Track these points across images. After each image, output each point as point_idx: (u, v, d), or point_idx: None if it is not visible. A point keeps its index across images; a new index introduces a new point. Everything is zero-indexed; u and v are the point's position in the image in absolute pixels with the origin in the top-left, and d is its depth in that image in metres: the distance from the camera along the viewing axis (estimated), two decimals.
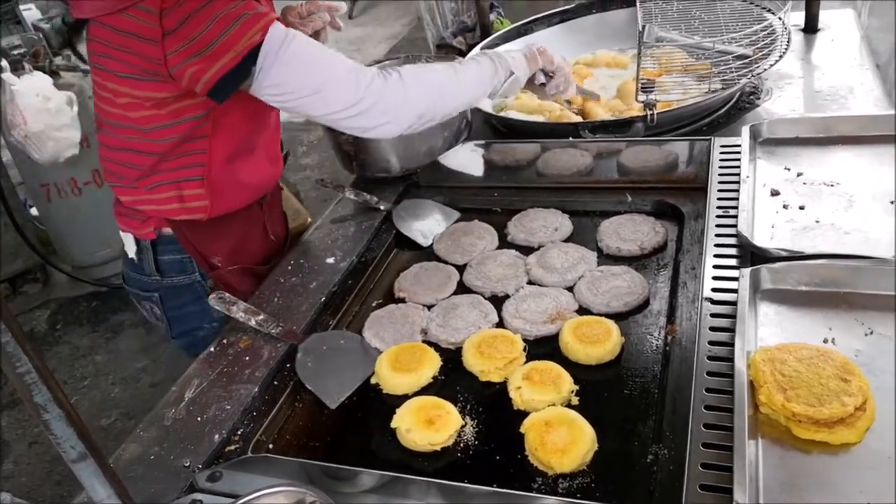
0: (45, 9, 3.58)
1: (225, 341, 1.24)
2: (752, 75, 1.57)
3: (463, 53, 1.99)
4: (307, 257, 1.43)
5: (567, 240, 1.42)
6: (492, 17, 2.07)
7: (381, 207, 1.54)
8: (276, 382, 1.16)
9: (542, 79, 1.45)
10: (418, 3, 4.61)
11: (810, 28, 1.96)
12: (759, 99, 1.70)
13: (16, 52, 3.10)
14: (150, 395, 2.93)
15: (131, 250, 1.46)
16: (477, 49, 1.49)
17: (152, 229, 1.41)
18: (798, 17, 1.97)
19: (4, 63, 2.87)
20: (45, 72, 3.04)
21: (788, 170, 1.28)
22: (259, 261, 1.52)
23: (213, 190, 1.36)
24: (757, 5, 1.83)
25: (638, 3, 1.68)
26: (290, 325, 1.23)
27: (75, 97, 3.00)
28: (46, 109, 2.86)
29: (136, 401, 2.94)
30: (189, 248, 1.42)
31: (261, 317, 1.24)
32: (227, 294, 1.28)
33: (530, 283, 1.32)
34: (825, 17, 1.98)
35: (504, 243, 1.45)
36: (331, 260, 1.41)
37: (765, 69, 1.57)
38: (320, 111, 1.22)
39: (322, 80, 1.18)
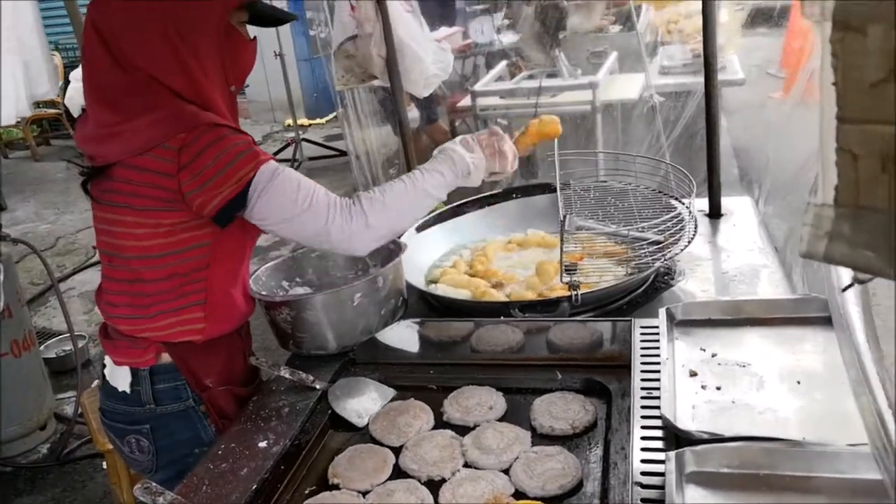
0: None
1: None
2: (665, 259, 1.70)
3: None
4: (238, 441, 1.40)
5: (501, 418, 1.45)
6: None
7: (317, 386, 1.54)
8: None
9: (494, 168, 1.67)
10: (354, 178, 4.87)
11: (714, 214, 2.16)
12: (672, 280, 1.83)
13: None
14: None
15: (124, 383, 1.56)
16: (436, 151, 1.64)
17: (153, 355, 1.53)
18: (702, 203, 2.18)
19: None
20: None
21: (703, 350, 1.37)
22: (243, 384, 1.65)
23: (211, 314, 1.54)
24: (664, 194, 2.03)
25: (558, 192, 1.83)
26: None
27: (1, 266, 2.96)
28: None
29: None
30: (185, 370, 1.55)
31: None
32: (154, 484, 1.24)
33: (466, 465, 1.33)
34: (726, 203, 2.20)
35: (440, 422, 1.46)
36: (263, 444, 1.38)
37: (676, 254, 1.72)
38: (294, 236, 1.50)
39: (296, 212, 1.44)
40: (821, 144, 0.65)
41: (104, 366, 1.63)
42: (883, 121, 0.58)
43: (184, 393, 1.57)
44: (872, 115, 0.59)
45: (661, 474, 1.07)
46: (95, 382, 1.71)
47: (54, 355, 4.09)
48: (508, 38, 5.18)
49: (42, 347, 4.07)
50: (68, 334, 3.63)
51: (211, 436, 1.60)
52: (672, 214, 1.74)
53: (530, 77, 4.59)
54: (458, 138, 1.68)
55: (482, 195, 2.26)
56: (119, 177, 1.43)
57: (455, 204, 2.24)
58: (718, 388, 1.25)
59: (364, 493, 1.27)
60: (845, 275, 1.10)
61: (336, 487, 1.30)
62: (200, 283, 1.51)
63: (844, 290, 1.07)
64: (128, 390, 1.56)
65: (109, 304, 1.57)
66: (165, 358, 1.55)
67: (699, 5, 2.09)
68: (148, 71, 1.42)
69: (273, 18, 1.61)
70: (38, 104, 6.75)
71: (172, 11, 1.41)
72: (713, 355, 1.35)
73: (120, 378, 1.57)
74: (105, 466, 2.36)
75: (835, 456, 1.04)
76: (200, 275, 1.51)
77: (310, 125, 8.91)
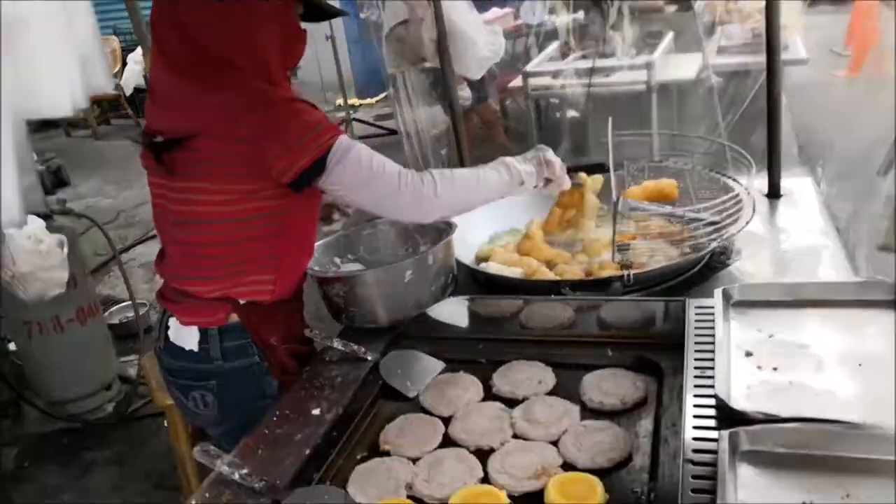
0: (39, 152, 3.74)
1: (207, 495, 1.23)
2: (721, 240, 1.67)
3: None
4: (293, 408, 1.44)
5: (551, 393, 1.45)
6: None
7: (369, 358, 1.57)
8: None
9: (541, 183, 1.73)
10: (405, 157, 4.89)
11: (773, 194, 2.11)
12: (729, 259, 1.79)
13: None
14: None
15: (193, 342, 1.63)
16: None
17: (223, 315, 1.60)
18: (761, 184, 2.13)
19: None
20: (38, 215, 3.13)
21: (760, 331, 1.34)
22: (301, 342, 1.70)
23: (280, 277, 1.61)
24: (722, 174, 1.98)
25: (611, 173, 1.81)
26: (273, 480, 1.22)
27: (66, 239, 3.08)
28: (37, 251, 2.93)
29: None
30: (252, 329, 1.61)
31: (244, 470, 1.23)
32: (213, 448, 1.28)
33: (515, 436, 1.34)
34: (786, 183, 2.14)
35: (489, 395, 1.48)
36: (316, 411, 1.41)
37: (732, 234, 1.68)
38: (367, 200, 1.55)
39: (371, 176, 1.50)
40: None
41: (167, 327, 1.69)
42: None
43: (250, 349, 1.63)
44: None
45: (714, 452, 1.06)
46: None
47: (118, 321, 4.28)
48: (561, 19, 5.11)
49: (106, 314, 4.24)
50: (130, 302, 3.77)
51: (273, 390, 1.66)
52: (730, 195, 1.70)
53: (583, 58, 4.52)
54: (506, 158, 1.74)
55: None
56: (198, 147, 1.48)
57: None
58: (775, 369, 1.23)
59: (414, 461, 1.30)
60: None
61: (387, 454, 1.33)
62: (275, 249, 1.58)
63: None
64: (196, 348, 1.63)
65: (182, 267, 1.63)
66: (234, 317, 1.61)
67: None
68: (221, 52, 1.49)
69: (326, 13, 1.71)
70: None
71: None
72: (770, 336, 1.33)
73: (188, 338, 1.64)
74: (166, 424, 2.46)
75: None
76: (275, 241, 1.58)
77: (360, 105, 8.96)
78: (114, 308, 4.42)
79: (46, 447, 3.46)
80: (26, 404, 3.59)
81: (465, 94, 5.02)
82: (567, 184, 1.79)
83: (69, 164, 7.30)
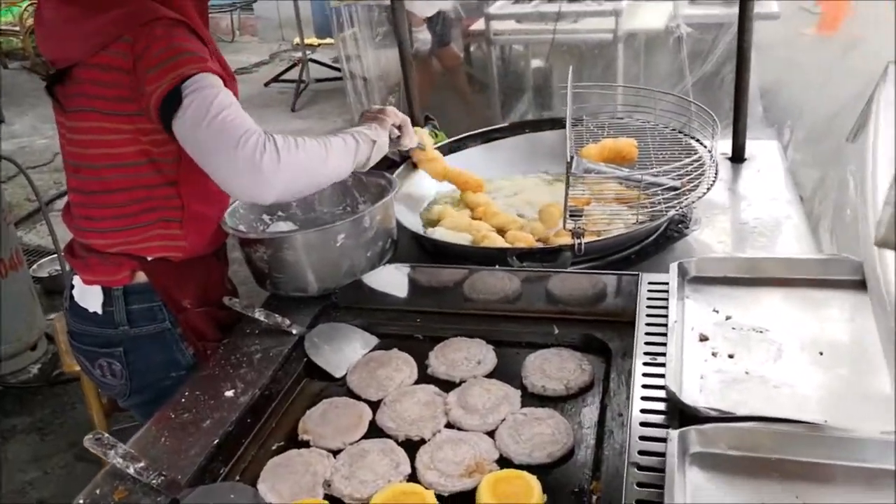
0: None
1: (98, 492, 1.09)
2: (681, 208, 1.55)
3: (397, 164, 1.95)
4: (204, 389, 1.29)
5: (490, 374, 1.33)
6: (426, 129, 2.05)
7: (293, 332, 1.43)
8: None
9: (395, 132, 1.64)
10: (351, 102, 4.67)
11: (737, 158, 1.99)
12: (686, 228, 1.68)
13: None
14: None
15: (96, 303, 1.49)
16: None
17: (128, 272, 1.46)
18: (725, 146, 2.01)
19: None
20: None
21: (717, 312, 1.24)
22: (222, 307, 1.53)
23: (189, 232, 1.47)
24: (685, 134, 1.86)
25: (568, 129, 1.67)
26: (173, 475, 1.09)
27: None
28: None
29: None
30: (161, 290, 1.48)
31: (141, 464, 1.09)
32: (107, 435, 1.14)
33: (449, 425, 1.22)
34: (751, 147, 2.03)
35: (424, 375, 1.35)
36: (230, 393, 1.27)
37: (692, 202, 1.56)
38: (202, 149, 1.30)
39: (211, 119, 1.27)
40: None
41: (72, 286, 1.55)
42: None
43: (159, 314, 1.51)
44: None
45: (661, 454, 0.95)
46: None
47: (47, 275, 4.01)
48: None
49: (35, 267, 3.99)
50: (59, 254, 3.53)
51: (189, 359, 1.55)
52: (693, 158, 1.57)
53: (549, 1, 4.31)
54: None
55: (485, 129, 2.10)
56: (83, 78, 1.36)
57: (455, 138, 2.08)
58: (731, 356, 1.13)
59: (335, 453, 1.17)
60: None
61: (306, 444, 1.20)
62: (174, 199, 1.45)
63: None
64: (99, 311, 1.50)
65: (80, 218, 1.49)
66: (140, 277, 1.48)
67: None
68: None
69: None
70: None
71: None
72: (727, 318, 1.22)
73: (91, 298, 1.50)
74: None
75: (859, 443, 0.92)
76: (171, 190, 1.44)
77: (318, 45, 8.59)
78: (43, 260, 4.13)
79: None
80: None
81: (424, 36, 4.78)
82: (414, 138, 1.72)
83: (4, 99, 6.86)
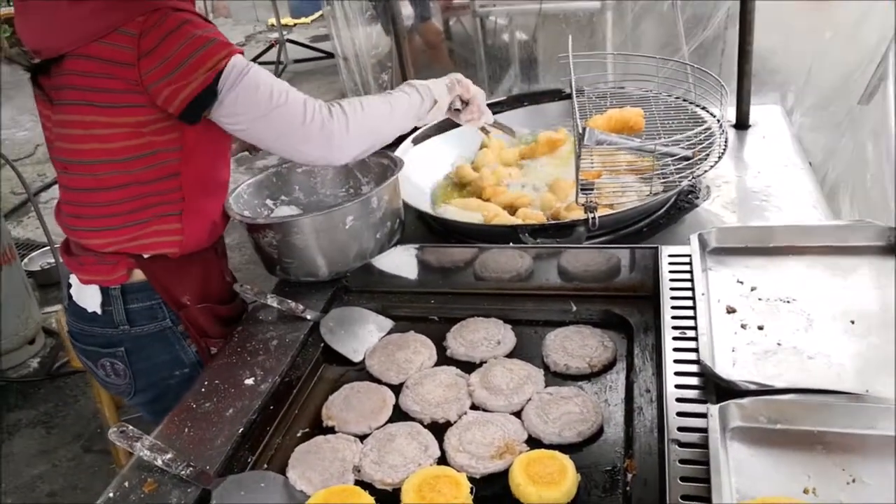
0: None
1: (127, 484, 1.06)
2: (693, 177, 1.53)
3: None
4: (223, 377, 1.26)
5: (511, 354, 1.31)
6: None
7: (308, 317, 1.40)
8: None
9: (458, 104, 1.64)
10: (342, 83, 4.58)
11: (741, 125, 1.97)
12: (697, 199, 1.67)
13: None
14: None
15: (94, 303, 1.44)
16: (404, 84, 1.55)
17: (125, 271, 1.41)
18: (728, 113, 1.98)
19: None
20: None
21: (741, 283, 1.22)
22: (222, 302, 1.53)
23: (188, 226, 1.41)
24: (690, 102, 1.83)
25: (573, 99, 1.63)
26: (202, 465, 1.06)
27: None
28: None
29: None
30: (160, 288, 1.43)
31: (168, 455, 1.06)
32: (131, 428, 1.11)
33: (473, 407, 1.20)
34: (754, 112, 2.00)
35: (443, 357, 1.33)
36: (250, 381, 1.25)
37: (705, 171, 1.54)
38: (267, 138, 1.34)
39: (271, 107, 1.29)
40: None
41: (70, 285, 1.50)
42: None
43: (159, 312, 1.46)
44: None
45: (699, 430, 0.94)
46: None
47: (39, 268, 3.94)
48: None
49: (26, 260, 3.92)
50: (50, 247, 3.46)
51: (192, 356, 1.51)
52: (704, 126, 1.55)
53: None
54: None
55: (488, 102, 2.05)
56: (72, 69, 1.29)
57: None
58: (761, 328, 1.11)
59: (362, 438, 1.15)
60: None
61: (331, 430, 1.18)
62: (174, 192, 1.38)
63: None
64: (98, 311, 1.45)
65: (73, 217, 1.43)
66: (138, 275, 1.43)
67: None
68: None
69: None
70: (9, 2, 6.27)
71: None
72: (752, 289, 1.20)
73: (89, 298, 1.46)
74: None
75: None
76: (173, 183, 1.38)
77: (294, 25, 8.44)
78: (34, 253, 4.05)
79: None
80: None
81: (405, 11, 4.69)
82: (487, 117, 1.71)
83: None
